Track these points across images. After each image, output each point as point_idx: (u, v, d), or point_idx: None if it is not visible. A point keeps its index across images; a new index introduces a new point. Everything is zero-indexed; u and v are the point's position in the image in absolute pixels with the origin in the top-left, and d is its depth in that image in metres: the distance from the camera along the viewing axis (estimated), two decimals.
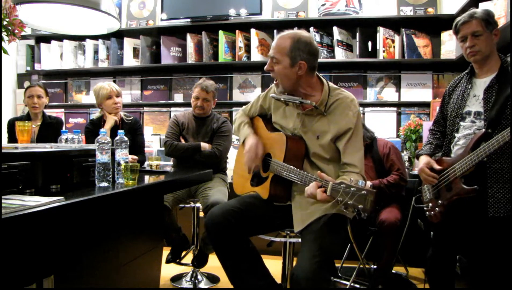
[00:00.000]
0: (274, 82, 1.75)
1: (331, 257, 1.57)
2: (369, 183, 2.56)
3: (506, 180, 1.71)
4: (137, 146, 2.77)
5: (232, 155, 3.66)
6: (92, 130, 2.76)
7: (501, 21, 2.45)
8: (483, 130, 1.74)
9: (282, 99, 1.76)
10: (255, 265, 1.76)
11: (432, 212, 1.91)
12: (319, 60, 3.57)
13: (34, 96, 2.97)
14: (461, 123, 1.87)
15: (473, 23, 1.77)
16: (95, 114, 2.89)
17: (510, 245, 1.68)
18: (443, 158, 1.91)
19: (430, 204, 1.92)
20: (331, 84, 1.76)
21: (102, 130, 1.68)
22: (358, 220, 2.59)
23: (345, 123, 1.65)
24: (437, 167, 1.87)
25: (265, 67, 1.73)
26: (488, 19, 1.78)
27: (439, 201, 1.86)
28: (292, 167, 1.65)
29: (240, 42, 3.78)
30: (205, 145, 2.76)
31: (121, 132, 1.81)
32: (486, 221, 1.73)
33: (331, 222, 1.60)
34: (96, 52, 4.14)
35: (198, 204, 2.79)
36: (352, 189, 1.29)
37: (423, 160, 1.95)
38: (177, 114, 2.96)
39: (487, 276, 1.83)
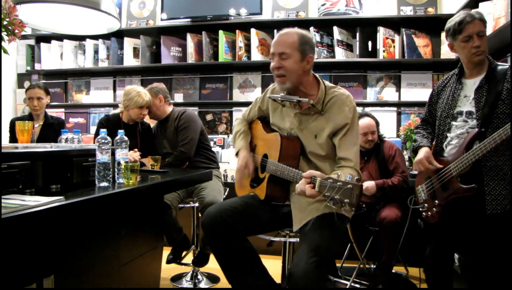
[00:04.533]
0: (277, 79, 1.69)
1: (328, 256, 1.57)
2: (372, 183, 2.61)
3: (502, 177, 1.73)
4: (153, 149, 2.81)
5: (232, 156, 3.67)
6: (105, 127, 2.75)
7: (501, 21, 2.45)
8: (477, 129, 1.76)
9: (279, 99, 1.77)
10: (252, 265, 1.76)
11: (429, 213, 1.91)
12: (319, 60, 3.61)
13: (34, 98, 2.97)
14: (453, 122, 1.88)
15: (477, 23, 1.77)
16: (114, 110, 2.87)
17: (509, 241, 1.69)
18: (439, 157, 1.91)
19: (426, 205, 1.92)
20: (327, 82, 1.77)
21: (120, 131, 1.79)
22: (358, 220, 2.59)
23: (341, 119, 1.66)
24: (438, 165, 1.86)
25: (273, 65, 1.68)
26: (485, 20, 1.80)
27: (436, 201, 1.86)
28: (285, 166, 1.66)
29: (240, 42, 3.78)
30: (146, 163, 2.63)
31: (121, 132, 1.82)
32: (484, 218, 1.74)
33: (329, 221, 1.60)
34: (96, 52, 4.14)
35: (197, 204, 2.80)
36: (338, 183, 1.30)
37: (425, 152, 1.92)
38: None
39: (486, 274, 1.83)
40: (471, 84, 1.85)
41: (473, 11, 1.83)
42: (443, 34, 3.46)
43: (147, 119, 2.93)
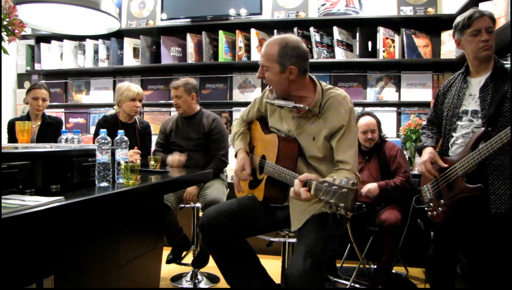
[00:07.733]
0: (268, 87, 1.75)
1: (325, 257, 1.56)
2: (375, 185, 2.60)
3: (507, 176, 1.72)
4: (145, 149, 2.81)
5: (232, 156, 3.66)
6: (104, 128, 2.77)
7: (501, 21, 2.45)
8: (483, 128, 1.75)
9: (275, 104, 1.76)
10: (250, 265, 1.76)
11: (434, 212, 1.90)
12: (319, 60, 3.61)
13: (40, 98, 2.97)
14: (458, 122, 1.87)
15: (486, 19, 1.78)
16: (111, 111, 2.89)
17: None
18: (444, 157, 1.91)
19: (432, 204, 1.91)
20: (323, 83, 1.75)
21: (120, 131, 1.78)
22: (358, 220, 2.59)
23: (337, 120, 1.65)
24: (443, 165, 1.86)
25: (257, 75, 1.73)
26: (494, 18, 1.80)
27: (442, 201, 1.86)
28: (282, 168, 1.65)
29: (240, 42, 3.78)
30: (172, 159, 2.70)
31: (121, 132, 1.81)
32: (489, 217, 1.74)
33: (326, 221, 1.60)
34: (96, 52, 4.14)
35: (198, 204, 2.80)
36: (333, 187, 1.28)
37: (429, 153, 1.91)
38: (166, 119, 3.01)
39: (488, 275, 1.83)
40: (476, 83, 1.84)
41: (483, 9, 1.84)
42: (443, 34, 3.47)
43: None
